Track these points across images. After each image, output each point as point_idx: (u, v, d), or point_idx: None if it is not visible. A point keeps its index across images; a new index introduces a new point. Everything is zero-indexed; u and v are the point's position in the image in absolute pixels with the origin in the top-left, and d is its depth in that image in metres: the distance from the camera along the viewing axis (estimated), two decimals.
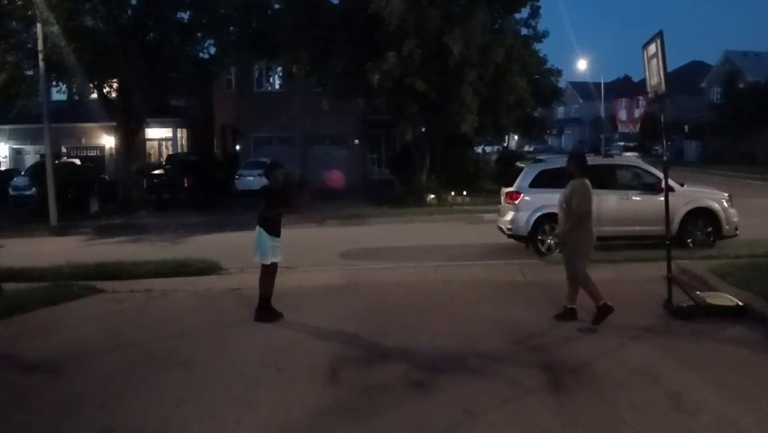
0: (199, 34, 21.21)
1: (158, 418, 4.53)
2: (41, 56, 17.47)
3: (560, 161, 12.97)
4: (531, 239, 10.71)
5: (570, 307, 6.56)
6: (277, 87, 32.75)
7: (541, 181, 10.83)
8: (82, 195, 20.74)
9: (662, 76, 6.66)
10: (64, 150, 28.00)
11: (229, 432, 4.33)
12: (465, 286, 8.43)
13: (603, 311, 6.25)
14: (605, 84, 44.66)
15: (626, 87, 48.41)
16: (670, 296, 6.66)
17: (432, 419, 4.37)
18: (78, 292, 8.48)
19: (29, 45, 18.57)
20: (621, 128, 33.92)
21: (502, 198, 11.57)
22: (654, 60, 6.79)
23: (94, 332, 6.86)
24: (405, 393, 4.81)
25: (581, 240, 6.47)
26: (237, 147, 32.74)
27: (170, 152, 28.58)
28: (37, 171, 21.23)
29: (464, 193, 21.36)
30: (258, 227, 7.10)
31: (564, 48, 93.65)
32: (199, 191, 21.98)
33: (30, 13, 17.05)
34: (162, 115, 25.93)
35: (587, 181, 6.51)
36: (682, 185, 10.81)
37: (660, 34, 6.64)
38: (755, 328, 5.99)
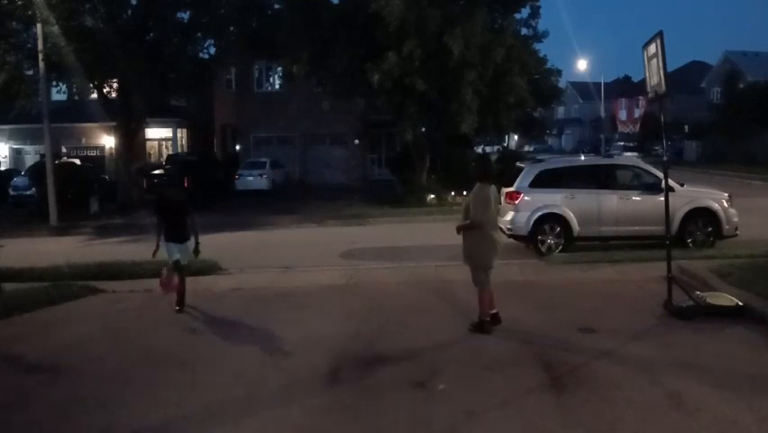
0: (199, 34, 21.20)
1: (158, 418, 4.53)
2: (41, 56, 17.48)
3: (560, 162, 13.05)
4: (531, 239, 10.71)
5: (492, 312, 6.31)
6: (277, 87, 32.78)
7: (541, 181, 10.84)
8: (82, 195, 20.69)
9: (662, 76, 6.65)
10: (64, 150, 27.95)
11: (229, 432, 4.33)
12: (465, 286, 8.38)
13: (482, 326, 6.15)
14: (605, 84, 44.66)
15: (626, 87, 48.54)
16: (670, 296, 6.65)
17: (432, 419, 4.37)
18: (78, 292, 8.49)
19: (29, 45, 18.57)
20: (621, 128, 34.01)
21: (502, 198, 11.57)
22: (654, 60, 6.79)
23: (94, 332, 6.86)
24: (405, 393, 4.81)
25: (479, 249, 6.17)
26: (237, 147, 32.74)
27: (170, 152, 28.56)
28: (37, 171, 21.20)
29: (464, 193, 21.25)
30: None
31: (564, 48, 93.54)
32: (199, 191, 21.95)
33: (30, 13, 17.07)
34: (162, 115, 25.91)
35: (487, 188, 6.15)
36: (682, 185, 10.81)
37: (660, 34, 6.63)
38: (755, 328, 5.98)
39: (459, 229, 6.30)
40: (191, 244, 7.61)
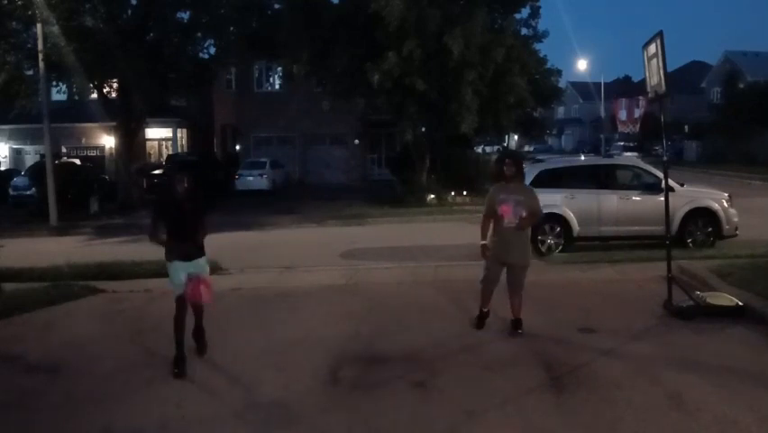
0: (199, 34, 21.21)
1: (158, 418, 4.53)
2: (41, 56, 17.47)
3: (560, 162, 13.05)
4: (531, 239, 10.69)
5: (485, 310, 6.41)
6: (277, 87, 32.79)
7: (541, 181, 10.82)
8: (82, 195, 20.68)
9: (662, 76, 6.65)
10: (64, 150, 27.97)
11: (229, 432, 4.33)
12: (465, 286, 8.40)
13: (520, 323, 6.16)
14: (605, 84, 44.69)
15: (626, 87, 48.50)
16: (670, 296, 6.65)
17: (432, 419, 4.37)
18: (78, 292, 8.47)
19: (29, 45, 18.56)
20: (621, 128, 33.92)
21: None
22: (654, 60, 6.79)
23: (94, 332, 6.86)
24: (405, 393, 4.81)
25: (527, 245, 6.30)
26: (237, 147, 32.75)
27: (170, 152, 28.57)
28: (37, 171, 21.20)
29: (464, 193, 21.35)
30: None
31: (564, 48, 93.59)
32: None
33: (30, 13, 17.06)
34: (162, 115, 25.92)
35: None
36: (682, 185, 10.81)
37: (660, 34, 6.63)
38: (755, 328, 5.98)
39: (525, 226, 6.20)
40: (204, 260, 6.12)
